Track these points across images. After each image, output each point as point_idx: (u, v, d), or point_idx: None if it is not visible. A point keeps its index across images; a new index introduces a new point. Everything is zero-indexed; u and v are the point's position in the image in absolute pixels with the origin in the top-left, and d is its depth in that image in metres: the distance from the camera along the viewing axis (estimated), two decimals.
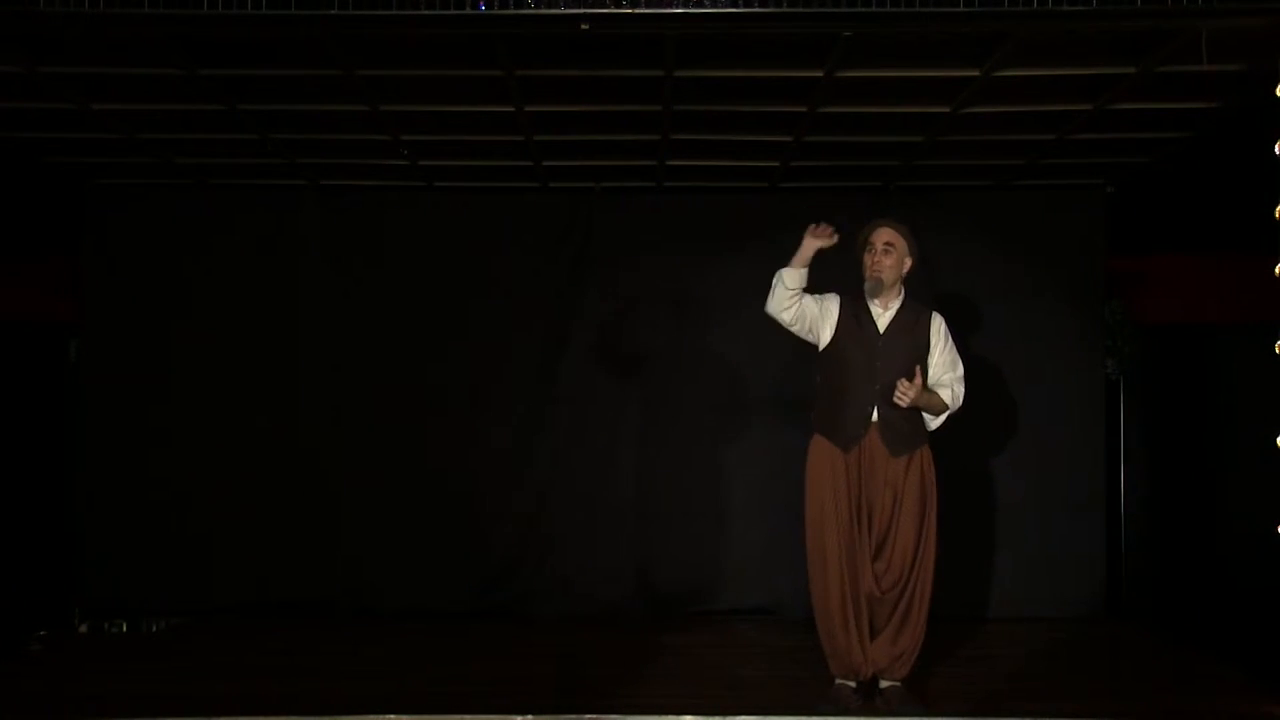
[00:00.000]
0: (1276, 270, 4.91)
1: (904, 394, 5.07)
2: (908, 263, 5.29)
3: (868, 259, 5.27)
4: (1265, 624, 5.58)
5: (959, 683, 5.60)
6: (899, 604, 5.14)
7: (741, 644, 6.62)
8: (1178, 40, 5.03)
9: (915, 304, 5.36)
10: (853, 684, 5.19)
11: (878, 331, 5.25)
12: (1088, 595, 7.25)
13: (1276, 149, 4.92)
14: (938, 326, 5.29)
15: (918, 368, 5.14)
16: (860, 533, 5.14)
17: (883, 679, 5.19)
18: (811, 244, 5.13)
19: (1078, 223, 7.39)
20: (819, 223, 5.14)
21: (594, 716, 4.96)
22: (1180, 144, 6.57)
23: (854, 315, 5.28)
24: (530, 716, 4.97)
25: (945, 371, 5.27)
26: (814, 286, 5.25)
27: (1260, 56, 5.07)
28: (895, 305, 5.28)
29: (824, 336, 5.28)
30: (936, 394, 5.22)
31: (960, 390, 5.27)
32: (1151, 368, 7.42)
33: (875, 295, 5.26)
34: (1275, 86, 4.91)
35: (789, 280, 5.17)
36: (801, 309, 5.22)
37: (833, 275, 5.36)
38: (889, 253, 5.23)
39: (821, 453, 5.25)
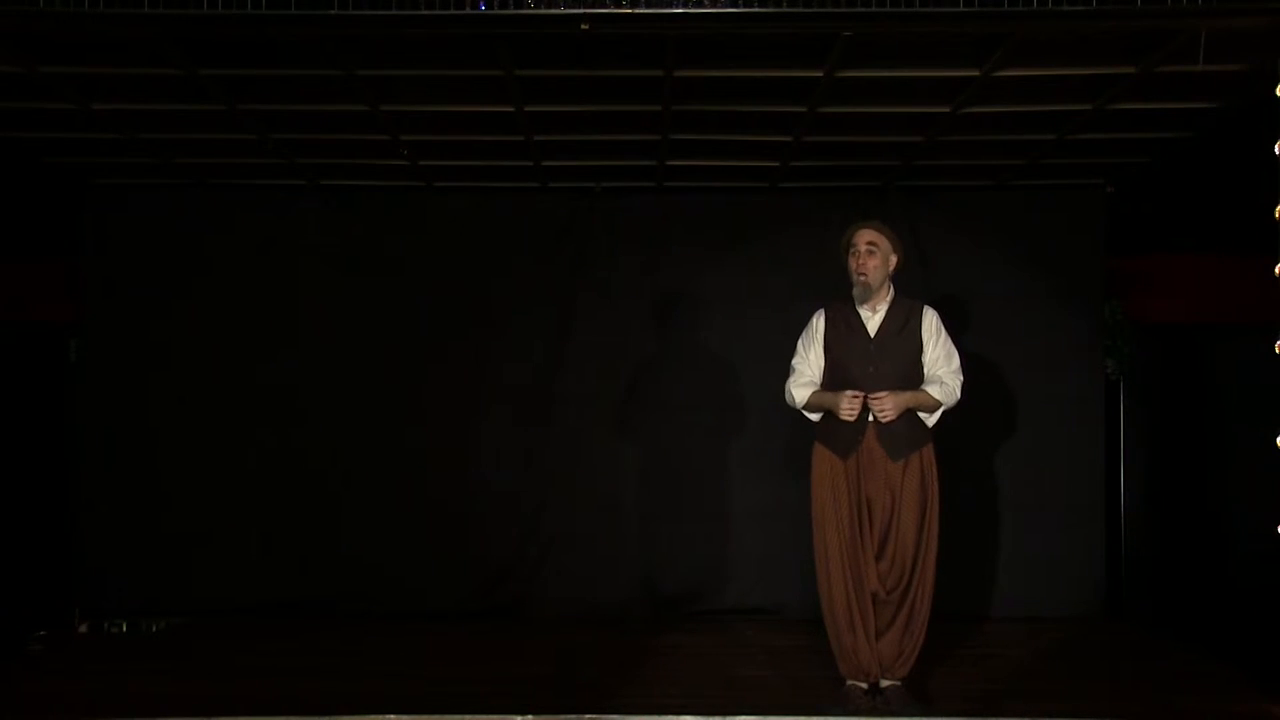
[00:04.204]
0: (1276, 270, 4.92)
1: (883, 411, 5.05)
2: (893, 260, 5.22)
3: (852, 262, 5.20)
4: (1265, 624, 5.57)
5: (959, 683, 5.59)
6: (902, 604, 5.12)
7: (741, 644, 6.61)
8: (1178, 40, 5.03)
9: (906, 301, 5.27)
10: (864, 686, 5.16)
11: (868, 336, 5.19)
12: (1088, 595, 7.25)
13: (1276, 149, 4.92)
14: (929, 322, 5.21)
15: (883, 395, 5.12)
16: (863, 534, 5.12)
17: (883, 678, 5.18)
18: (835, 408, 5.14)
19: (1078, 223, 7.39)
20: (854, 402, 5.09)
21: (594, 716, 4.96)
22: (1180, 144, 6.57)
23: (844, 322, 5.23)
24: (530, 716, 4.97)
25: (939, 367, 5.18)
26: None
27: (1260, 56, 5.08)
28: (884, 307, 5.21)
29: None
30: (924, 393, 5.15)
31: (956, 384, 5.18)
32: (1151, 368, 7.41)
33: (865, 300, 5.20)
34: (1275, 86, 4.91)
35: (799, 402, 5.30)
36: (814, 378, 5.27)
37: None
38: (873, 253, 5.16)
39: (822, 458, 5.22)
